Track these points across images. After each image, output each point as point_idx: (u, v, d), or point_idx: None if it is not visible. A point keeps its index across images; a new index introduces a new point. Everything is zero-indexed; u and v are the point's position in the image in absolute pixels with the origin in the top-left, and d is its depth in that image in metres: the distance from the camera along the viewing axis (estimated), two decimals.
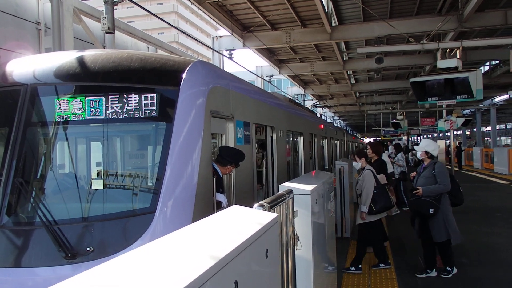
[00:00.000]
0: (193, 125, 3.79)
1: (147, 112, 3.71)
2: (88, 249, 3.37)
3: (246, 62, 67.04)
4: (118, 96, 3.74)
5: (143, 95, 3.72)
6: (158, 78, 3.90)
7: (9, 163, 3.67)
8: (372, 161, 7.84)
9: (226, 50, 15.89)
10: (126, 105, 3.72)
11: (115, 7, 7.08)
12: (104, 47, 10.53)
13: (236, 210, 2.42)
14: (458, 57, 9.69)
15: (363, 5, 12.59)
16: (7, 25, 8.05)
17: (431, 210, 5.96)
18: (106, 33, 7.10)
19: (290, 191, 3.22)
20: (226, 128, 4.82)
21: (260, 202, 2.59)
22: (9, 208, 3.59)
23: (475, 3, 11.21)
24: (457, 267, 6.45)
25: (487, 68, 22.67)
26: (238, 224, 2.13)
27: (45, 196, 3.89)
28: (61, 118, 3.82)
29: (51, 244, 3.39)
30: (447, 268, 6.25)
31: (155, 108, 3.71)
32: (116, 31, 8.32)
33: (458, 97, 9.79)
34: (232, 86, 4.89)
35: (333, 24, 14.17)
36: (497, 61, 21.08)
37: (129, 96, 3.73)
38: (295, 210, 3.33)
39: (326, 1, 12.93)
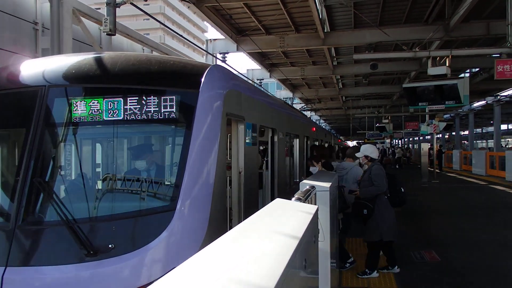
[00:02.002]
0: (211, 127, 3.89)
1: (167, 113, 3.77)
2: (110, 246, 3.41)
3: (237, 65, 67.09)
4: (138, 98, 3.79)
5: (163, 97, 3.77)
6: (178, 81, 4.01)
7: (27, 163, 3.67)
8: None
9: (220, 53, 16.15)
10: (146, 107, 3.78)
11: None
12: (101, 48, 10.52)
13: (280, 202, 2.71)
14: (447, 64, 10.24)
15: (355, 11, 13.00)
16: (4, 24, 7.96)
17: (365, 211, 6.16)
18: (107, 34, 7.18)
19: (313, 187, 3.59)
20: (238, 129, 4.99)
21: (297, 196, 2.93)
22: (27, 207, 3.60)
23: (462, 14, 11.80)
24: (445, 260, 6.91)
25: (467, 75, 23.44)
26: (293, 213, 2.43)
27: (64, 196, 3.98)
28: (81, 119, 3.85)
29: (73, 242, 3.42)
30: (366, 269, 6.34)
31: (174, 110, 3.78)
32: None
33: (446, 102, 10.41)
34: (243, 89, 5.06)
35: (325, 30, 14.59)
36: (477, 69, 21.89)
37: (148, 98, 3.78)
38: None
39: (321, 8, 13.32)
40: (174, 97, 3.78)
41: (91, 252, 3.36)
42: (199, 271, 1.32)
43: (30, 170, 3.66)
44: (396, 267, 6.52)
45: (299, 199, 2.88)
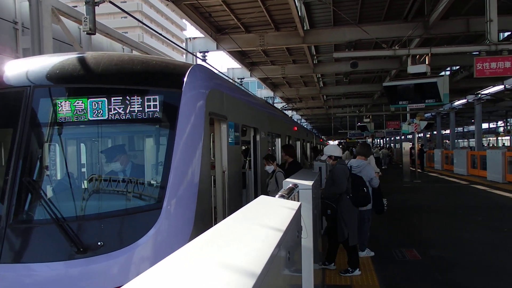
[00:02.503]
0: (195, 127, 3.96)
1: (150, 113, 3.84)
2: (99, 243, 3.51)
3: (217, 64, 67.14)
4: (122, 98, 3.86)
5: (146, 97, 3.85)
6: (161, 81, 4.06)
7: (16, 163, 3.76)
8: (287, 164, 7.88)
9: (200, 52, 15.98)
10: (129, 106, 3.85)
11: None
12: (81, 48, 10.45)
13: (265, 198, 2.70)
14: (427, 63, 10.22)
15: (334, 8, 12.95)
16: None
17: (328, 212, 6.23)
18: (87, 33, 7.05)
19: (296, 185, 3.53)
20: (221, 129, 5.03)
21: (280, 193, 2.91)
22: (17, 206, 3.70)
23: (441, 11, 11.84)
24: (426, 258, 6.91)
25: (448, 73, 23.71)
26: (277, 208, 2.42)
27: (54, 195, 4.06)
28: (66, 119, 3.92)
29: (63, 240, 3.51)
30: (348, 268, 6.38)
31: (158, 109, 3.85)
32: None
33: (426, 101, 10.39)
34: (225, 89, 5.11)
35: (305, 28, 14.53)
36: (458, 67, 22.11)
37: (132, 98, 3.85)
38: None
39: (300, 5, 13.25)
40: (157, 96, 3.85)
41: (81, 250, 3.47)
42: (188, 257, 1.36)
43: (19, 170, 3.76)
44: (333, 264, 6.56)
45: (282, 196, 2.83)
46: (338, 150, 6.66)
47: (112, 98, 3.86)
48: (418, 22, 13.08)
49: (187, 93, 3.95)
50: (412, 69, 10.38)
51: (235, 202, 5.46)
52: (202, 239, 1.57)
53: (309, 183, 3.96)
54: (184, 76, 4.01)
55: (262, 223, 1.91)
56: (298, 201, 3.59)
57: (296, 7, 12.27)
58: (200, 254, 1.40)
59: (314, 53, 18.90)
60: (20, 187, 3.73)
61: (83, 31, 6.95)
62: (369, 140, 43.92)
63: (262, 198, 2.71)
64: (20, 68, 4.20)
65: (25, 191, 3.76)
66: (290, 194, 3.04)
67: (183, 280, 1.13)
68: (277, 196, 2.83)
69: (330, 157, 6.54)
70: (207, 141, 4.16)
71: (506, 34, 16.21)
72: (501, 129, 55.30)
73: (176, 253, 1.37)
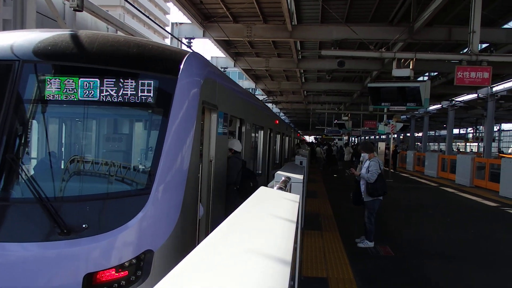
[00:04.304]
0: (188, 114, 3.92)
1: (144, 98, 3.76)
2: (83, 226, 3.42)
3: (201, 52, 66.06)
4: (115, 80, 3.76)
5: (141, 81, 3.77)
6: (157, 66, 3.97)
7: None
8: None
9: (186, 38, 15.86)
10: (123, 89, 3.76)
11: None
12: (65, 24, 10.18)
13: (267, 190, 2.73)
14: (411, 67, 10.52)
15: (324, 5, 13.06)
16: None
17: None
18: (74, 10, 6.88)
19: (289, 178, 3.64)
20: (211, 118, 5.03)
21: (279, 185, 2.97)
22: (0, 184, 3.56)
23: (426, 18, 12.16)
24: (401, 255, 7.19)
25: (426, 78, 24.29)
26: (283, 201, 2.52)
27: (38, 174, 3.93)
28: (55, 97, 3.77)
29: (47, 221, 3.42)
30: None
31: (152, 94, 3.77)
32: None
33: (408, 104, 10.74)
34: (217, 78, 5.08)
35: (293, 23, 14.61)
36: (436, 73, 22.70)
37: (126, 80, 3.76)
38: None
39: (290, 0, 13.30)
40: (152, 81, 3.79)
41: (65, 231, 3.36)
42: (218, 245, 1.38)
43: (3, 146, 3.60)
44: None
45: (281, 188, 2.91)
46: (239, 145, 6.90)
47: (105, 80, 3.74)
48: (403, 27, 13.38)
49: (183, 80, 3.90)
50: (396, 72, 10.67)
51: (220, 191, 5.49)
52: (223, 229, 1.58)
53: (300, 176, 4.08)
54: (180, 63, 3.96)
55: (274, 214, 1.99)
56: (290, 192, 3.70)
57: (287, 0, 12.32)
58: (229, 242, 1.42)
59: (299, 49, 19.02)
60: (3, 164, 3.58)
61: (70, 7, 6.78)
62: (345, 137, 44.59)
63: (264, 189, 2.77)
64: (8, 41, 3.97)
65: (8, 168, 3.62)
66: (285, 186, 3.15)
67: (226, 266, 1.15)
68: (275, 187, 2.91)
69: (230, 150, 6.74)
70: (198, 129, 4.12)
71: (484, 45, 16.73)
72: (470, 135, 57.07)
73: (204, 242, 1.38)
